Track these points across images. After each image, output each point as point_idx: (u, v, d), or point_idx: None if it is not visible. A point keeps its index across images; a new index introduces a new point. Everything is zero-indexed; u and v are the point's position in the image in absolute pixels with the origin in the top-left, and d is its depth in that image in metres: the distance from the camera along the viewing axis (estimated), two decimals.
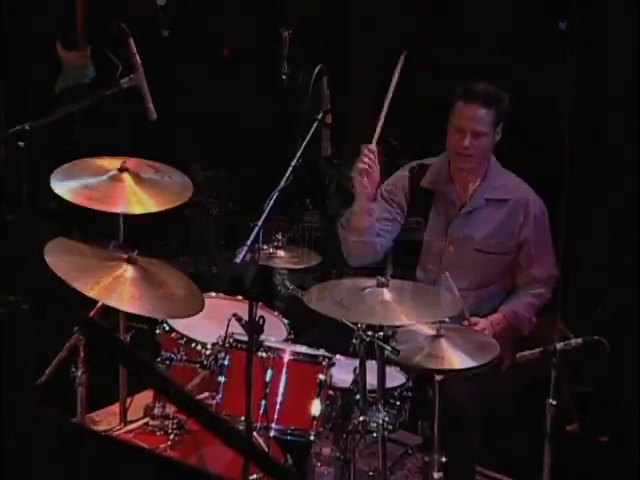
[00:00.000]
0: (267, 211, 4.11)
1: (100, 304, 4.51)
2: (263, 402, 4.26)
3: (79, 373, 4.64)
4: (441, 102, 4.96)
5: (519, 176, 4.98)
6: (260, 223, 4.08)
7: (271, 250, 4.38)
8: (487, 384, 4.49)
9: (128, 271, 4.28)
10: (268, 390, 4.28)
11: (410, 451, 4.75)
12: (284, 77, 6.64)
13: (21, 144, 4.36)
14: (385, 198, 4.95)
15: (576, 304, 5.11)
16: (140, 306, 4.25)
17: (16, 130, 4.38)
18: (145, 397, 4.91)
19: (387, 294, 4.23)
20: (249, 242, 4.07)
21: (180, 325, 4.63)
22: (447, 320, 4.31)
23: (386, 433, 4.28)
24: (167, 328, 4.64)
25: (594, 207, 5.92)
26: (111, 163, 4.61)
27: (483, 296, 4.80)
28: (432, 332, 4.25)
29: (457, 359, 4.21)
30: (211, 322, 4.55)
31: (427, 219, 4.91)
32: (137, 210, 4.57)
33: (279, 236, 4.41)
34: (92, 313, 4.64)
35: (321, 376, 4.30)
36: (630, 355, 5.00)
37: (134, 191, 4.54)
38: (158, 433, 4.34)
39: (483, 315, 4.74)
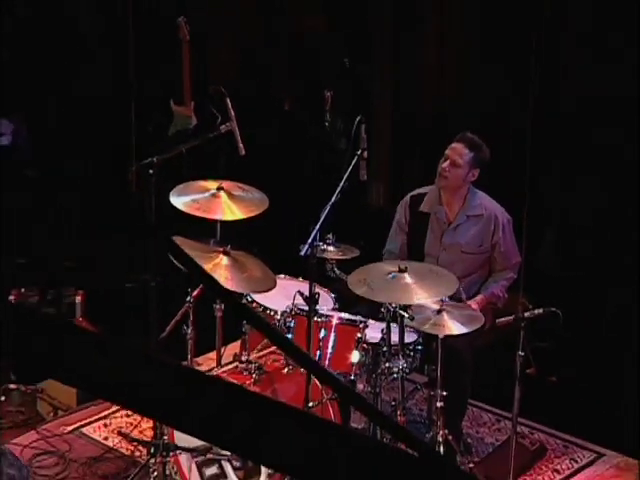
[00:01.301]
0: (322, 218, 4.11)
1: None
2: (318, 352, 4.28)
3: (189, 331, 4.63)
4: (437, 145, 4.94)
5: (491, 192, 4.90)
6: (317, 227, 4.08)
7: (324, 246, 4.33)
8: (475, 340, 4.44)
9: (223, 260, 4.30)
10: (321, 344, 4.29)
11: (419, 387, 4.73)
12: (327, 124, 6.59)
13: (150, 172, 4.35)
14: (399, 227, 4.92)
15: (534, 283, 5.00)
16: (231, 284, 4.26)
17: (147, 162, 4.36)
18: (234, 347, 4.90)
19: (407, 277, 4.20)
20: (310, 240, 4.07)
21: (259, 297, 4.61)
22: (448, 300, 4.25)
23: (403, 374, 4.27)
24: (249, 299, 4.63)
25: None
26: (211, 184, 4.61)
27: (468, 282, 4.71)
28: (437, 307, 4.21)
29: (454, 327, 4.17)
30: (281, 296, 4.51)
31: (426, 233, 4.83)
32: (229, 217, 4.59)
33: (330, 236, 4.37)
34: (198, 290, 4.64)
35: (359, 334, 4.30)
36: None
37: (227, 204, 4.56)
38: (244, 373, 4.31)
39: (470, 295, 4.67)
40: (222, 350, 4.95)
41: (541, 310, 4.27)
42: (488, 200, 4.82)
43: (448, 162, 4.67)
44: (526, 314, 4.24)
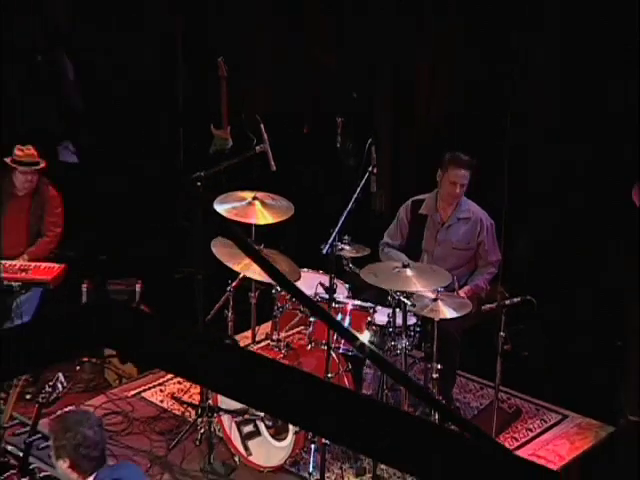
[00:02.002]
0: (341, 222, 4.10)
1: (242, 275, 4.49)
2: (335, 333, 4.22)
3: (229, 314, 4.64)
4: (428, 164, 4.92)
5: (478, 201, 4.88)
6: (337, 230, 4.07)
7: (341, 245, 4.31)
8: (464, 322, 4.42)
9: None
10: None
11: (417, 361, 4.69)
12: (338, 145, 6.55)
13: (199, 184, 4.34)
14: (400, 226, 4.87)
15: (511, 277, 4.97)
16: (264, 277, 4.20)
17: (196, 176, 4.35)
18: (266, 328, 4.87)
19: (408, 271, 4.19)
20: (330, 241, 4.06)
21: None
22: (442, 289, 4.23)
23: (405, 351, 4.27)
24: (279, 290, 4.58)
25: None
26: (247, 194, 4.59)
27: (457, 274, 4.66)
28: (433, 296, 4.19)
29: (447, 312, 4.17)
30: (304, 286, 4.42)
31: (423, 232, 4.80)
32: (262, 222, 4.55)
33: (346, 237, 4.33)
34: (236, 281, 4.62)
35: (369, 318, 4.30)
36: None
37: (261, 210, 4.53)
38: (275, 349, 4.31)
39: (460, 285, 4.62)
40: (256, 330, 4.93)
41: (518, 299, 4.28)
42: (475, 206, 4.81)
43: (459, 187, 4.64)
44: (506, 302, 4.25)
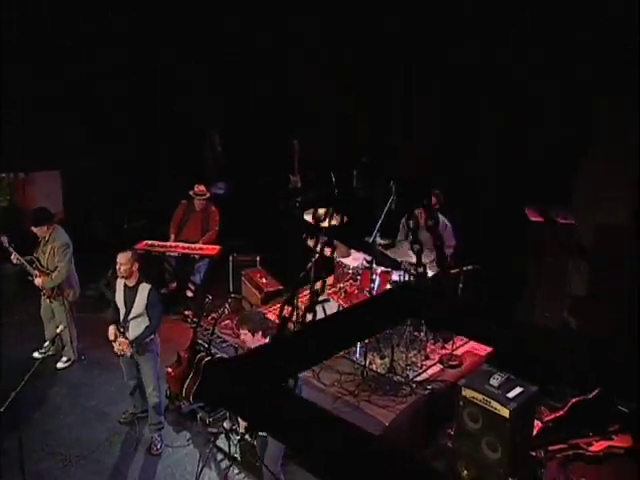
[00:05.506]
0: (377, 226, 4.05)
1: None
2: (372, 285, 4.14)
3: (312, 273, 4.49)
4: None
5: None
6: (375, 231, 4.01)
7: (377, 238, 4.21)
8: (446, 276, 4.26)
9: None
10: (373, 280, 4.14)
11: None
12: (354, 185, 6.20)
13: (297, 204, 4.29)
14: (405, 227, 4.80)
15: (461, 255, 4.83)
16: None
17: (297, 200, 4.30)
18: (330, 280, 4.64)
19: (411, 252, 4.10)
20: (372, 236, 4.00)
21: (344, 260, 4.40)
22: (428, 261, 4.14)
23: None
24: (338, 260, 4.43)
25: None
26: (321, 210, 4.43)
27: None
28: (428, 261, 4.08)
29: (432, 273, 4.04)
30: (353, 259, 4.41)
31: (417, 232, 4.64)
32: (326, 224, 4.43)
33: (379, 234, 4.25)
34: (318, 255, 4.47)
35: (389, 277, 4.20)
36: None
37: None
38: (337, 293, 4.20)
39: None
40: (326, 280, 4.80)
41: (470, 266, 4.23)
42: (442, 216, 4.73)
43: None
44: (464, 268, 4.18)
